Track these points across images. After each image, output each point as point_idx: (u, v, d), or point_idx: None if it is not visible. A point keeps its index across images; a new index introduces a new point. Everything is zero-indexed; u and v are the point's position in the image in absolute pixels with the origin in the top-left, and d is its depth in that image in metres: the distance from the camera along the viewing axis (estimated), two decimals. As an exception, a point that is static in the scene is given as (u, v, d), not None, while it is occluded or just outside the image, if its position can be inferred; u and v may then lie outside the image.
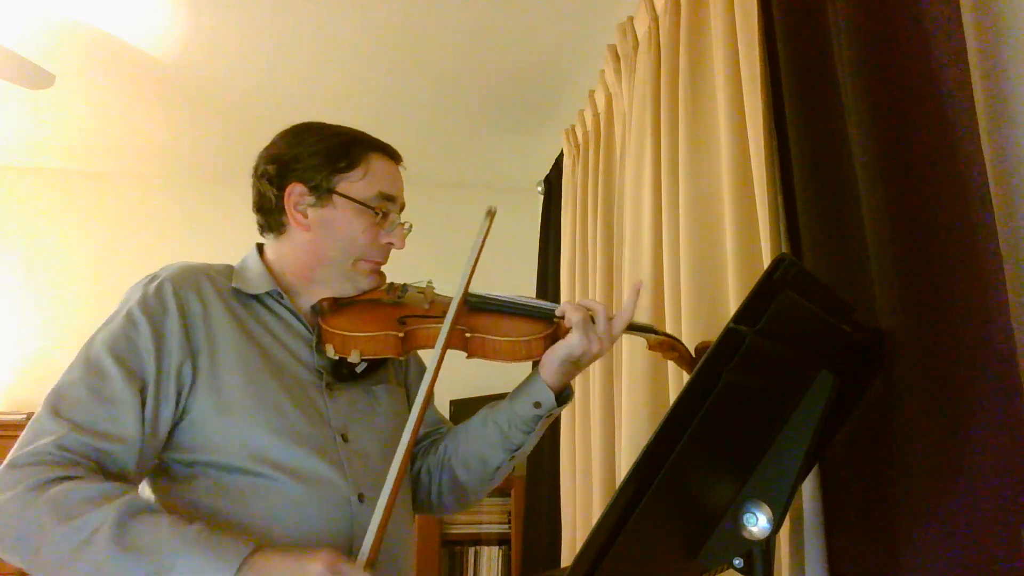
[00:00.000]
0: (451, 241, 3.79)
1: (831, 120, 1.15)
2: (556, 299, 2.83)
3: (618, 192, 2.26)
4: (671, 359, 1.18)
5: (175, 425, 1.01)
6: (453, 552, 3.24)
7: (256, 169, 1.16)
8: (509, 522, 3.25)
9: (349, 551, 1.01)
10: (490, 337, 1.10)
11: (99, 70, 2.65)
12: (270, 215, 1.15)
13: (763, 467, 0.86)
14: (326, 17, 2.34)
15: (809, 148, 1.23)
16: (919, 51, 0.96)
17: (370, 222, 1.13)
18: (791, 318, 0.81)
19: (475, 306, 1.14)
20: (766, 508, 0.83)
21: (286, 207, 1.12)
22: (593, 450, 2.33)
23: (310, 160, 1.12)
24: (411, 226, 1.19)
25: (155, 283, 1.05)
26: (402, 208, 1.19)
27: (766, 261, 1.38)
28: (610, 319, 1.10)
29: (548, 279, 3.23)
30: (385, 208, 1.14)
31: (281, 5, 2.28)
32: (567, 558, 2.64)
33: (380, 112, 2.99)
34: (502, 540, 3.26)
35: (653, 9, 2.01)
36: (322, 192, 1.12)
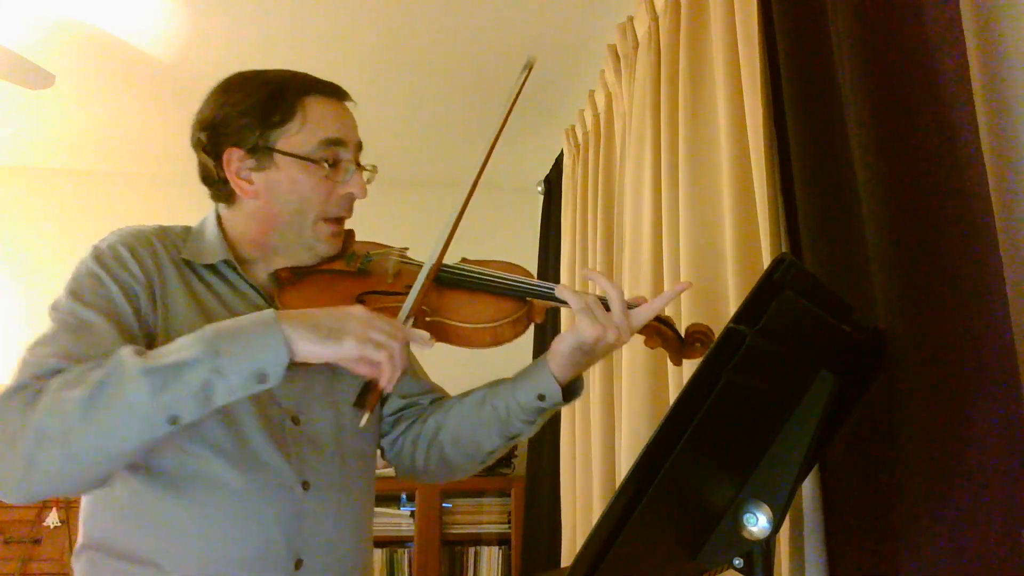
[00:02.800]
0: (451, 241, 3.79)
1: (831, 120, 1.15)
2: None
3: (618, 192, 2.26)
4: (655, 346, 1.07)
5: None
6: (453, 552, 3.23)
7: (192, 138, 1.07)
8: (509, 522, 3.25)
9: (291, 544, 0.96)
10: (452, 322, 1.00)
11: (99, 70, 2.65)
12: (216, 186, 1.06)
13: (763, 467, 0.85)
14: (325, 17, 2.34)
15: (809, 148, 1.23)
16: (919, 51, 0.96)
17: (320, 176, 1.02)
18: (791, 318, 0.80)
19: (441, 280, 1.03)
20: (766, 508, 0.82)
21: (228, 176, 1.03)
22: (593, 450, 2.33)
23: (240, 120, 1.02)
24: (374, 168, 1.09)
25: (107, 243, 0.99)
26: (359, 148, 1.08)
27: (766, 261, 1.38)
28: (630, 307, 0.99)
29: (548, 279, 3.23)
30: (333, 156, 1.04)
31: (280, 5, 2.28)
32: (567, 558, 2.64)
33: (380, 112, 2.99)
34: (502, 540, 3.26)
35: (653, 9, 2.01)
36: (261, 153, 1.01)
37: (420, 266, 1.03)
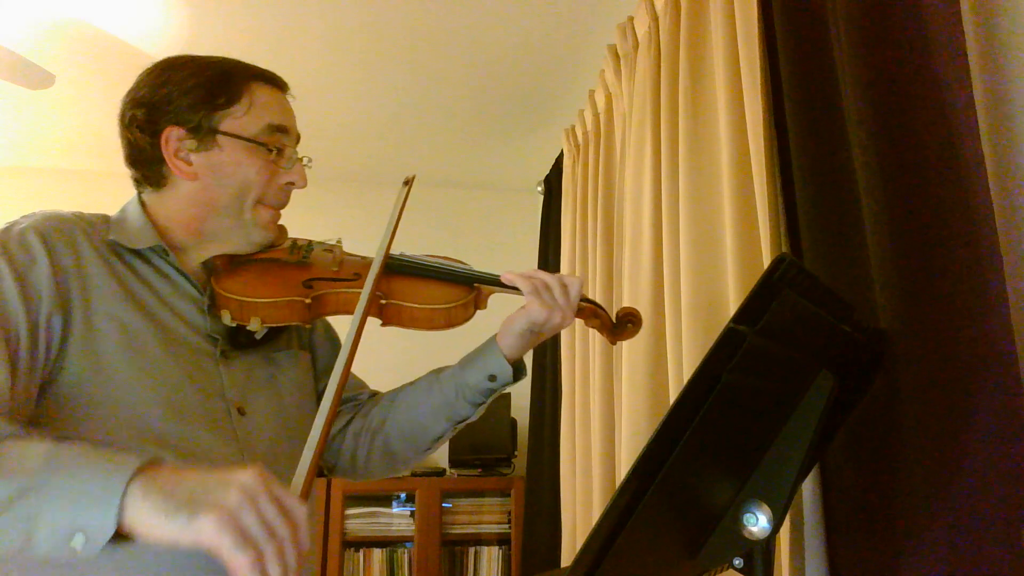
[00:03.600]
0: (451, 241, 3.80)
1: (831, 120, 1.15)
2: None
3: (618, 192, 2.26)
4: (594, 327, 1.14)
5: (42, 391, 0.86)
6: (453, 552, 3.23)
7: (122, 117, 1.03)
8: (509, 522, 3.25)
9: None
10: (407, 304, 1.02)
11: (99, 70, 2.65)
12: (147, 167, 1.02)
13: (763, 467, 0.85)
14: (325, 17, 2.34)
15: (809, 148, 1.23)
16: (919, 51, 0.96)
17: (265, 160, 1.01)
18: (791, 318, 0.81)
19: (392, 268, 1.05)
20: (766, 508, 0.82)
21: (165, 155, 0.99)
22: (593, 450, 2.33)
23: (183, 99, 0.99)
24: (310, 160, 1.07)
25: (17, 228, 0.90)
26: (297, 140, 1.07)
27: (766, 261, 1.38)
28: (564, 287, 1.03)
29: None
30: (279, 142, 1.02)
31: (279, 6, 2.28)
32: (567, 558, 2.64)
33: (380, 112, 2.99)
34: (502, 540, 3.26)
35: (653, 9, 2.01)
36: (203, 133, 0.99)
37: (362, 257, 1.06)
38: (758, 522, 0.82)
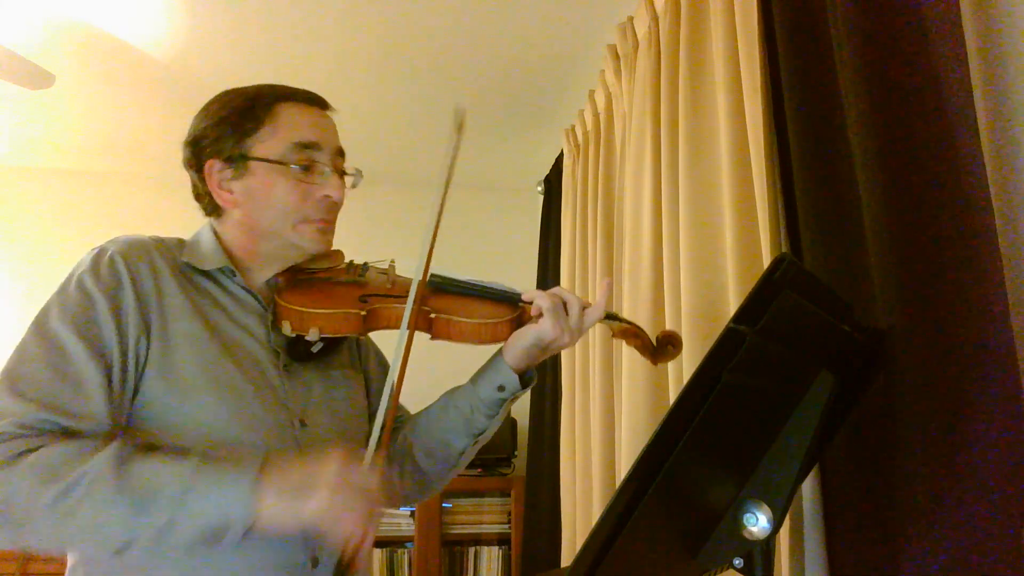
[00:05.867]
0: (451, 241, 3.79)
1: (831, 120, 1.15)
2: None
3: (618, 192, 2.26)
4: (635, 347, 1.18)
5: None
6: (453, 552, 3.24)
7: (182, 160, 1.10)
8: (509, 522, 3.25)
9: (308, 543, 0.97)
10: (456, 318, 1.07)
11: (99, 70, 2.65)
12: (204, 200, 1.09)
13: (763, 467, 0.85)
14: (325, 18, 2.34)
15: (809, 148, 1.23)
16: (919, 51, 0.96)
17: (294, 178, 1.03)
18: (791, 318, 0.81)
19: (439, 287, 1.11)
20: (766, 508, 0.82)
21: (210, 188, 1.05)
22: (593, 450, 2.33)
23: (216, 131, 1.04)
24: (358, 172, 1.11)
25: (106, 256, 0.98)
26: (338, 154, 1.09)
27: (766, 261, 1.38)
28: (583, 310, 1.08)
29: (548, 279, 3.23)
30: (307, 159, 1.04)
31: (279, 6, 2.28)
32: (567, 558, 2.64)
33: (380, 113, 2.99)
34: (502, 540, 3.26)
35: (653, 9, 2.01)
36: (237, 161, 1.03)
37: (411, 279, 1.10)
38: (758, 522, 0.82)
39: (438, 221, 1.07)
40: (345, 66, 2.63)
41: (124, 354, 0.93)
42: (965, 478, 0.87)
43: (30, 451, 0.83)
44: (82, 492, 0.82)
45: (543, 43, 2.48)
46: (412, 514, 3.16)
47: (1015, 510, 0.81)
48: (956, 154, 0.90)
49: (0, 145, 3.38)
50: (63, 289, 0.96)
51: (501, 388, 1.10)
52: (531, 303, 1.08)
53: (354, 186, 1.11)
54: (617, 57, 2.29)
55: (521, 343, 1.07)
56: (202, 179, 1.06)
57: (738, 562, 0.83)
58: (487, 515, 3.27)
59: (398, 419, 1.25)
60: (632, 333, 1.15)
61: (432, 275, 1.08)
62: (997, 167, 0.96)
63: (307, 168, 1.04)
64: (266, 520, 0.85)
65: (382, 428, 0.95)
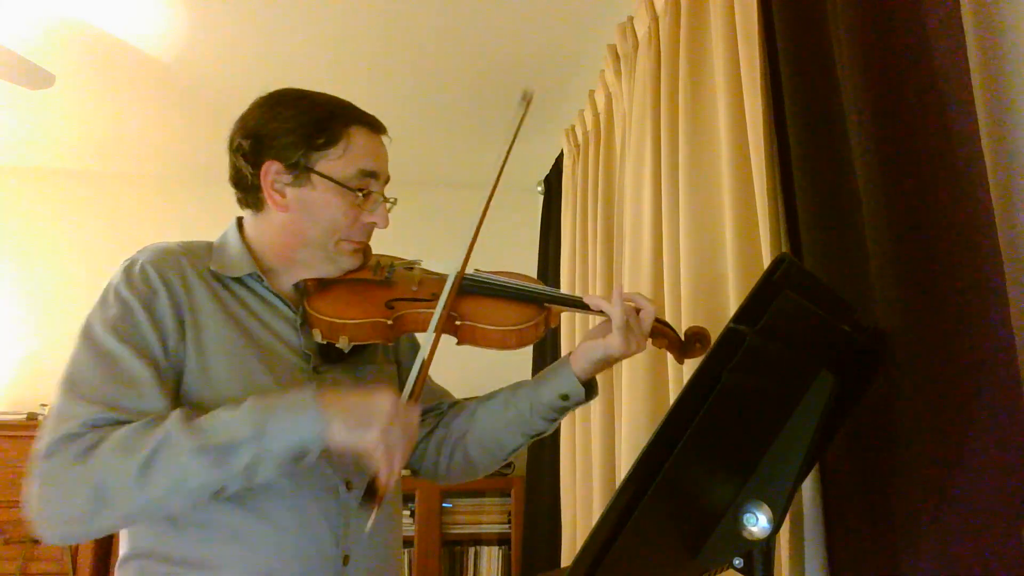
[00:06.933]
0: (452, 241, 3.79)
1: (831, 120, 1.15)
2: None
3: (618, 192, 2.26)
4: (661, 346, 1.17)
5: None
6: (453, 552, 3.24)
7: (231, 142, 1.11)
8: (509, 522, 3.25)
9: (338, 542, 1.02)
10: (480, 326, 1.07)
11: (99, 70, 2.65)
12: (247, 192, 1.10)
13: (763, 467, 0.85)
14: (324, 18, 2.34)
15: (809, 148, 1.23)
16: (919, 51, 0.96)
17: (351, 203, 1.07)
18: (791, 318, 0.81)
19: (465, 289, 1.10)
20: (766, 508, 0.82)
21: (263, 186, 1.07)
22: (593, 450, 2.33)
23: (287, 137, 1.06)
24: (395, 201, 1.15)
25: (137, 266, 1.02)
26: (386, 182, 1.14)
27: (766, 261, 1.38)
28: (642, 317, 1.09)
29: (548, 279, 3.23)
30: (367, 186, 1.09)
31: (279, 6, 2.28)
32: (567, 558, 2.64)
33: (379, 113, 2.98)
34: (502, 540, 3.26)
35: (653, 9, 2.01)
36: (300, 171, 1.06)
37: (439, 276, 1.10)
38: (758, 522, 0.82)
39: (482, 217, 1.12)
40: (345, 66, 2.63)
41: (166, 353, 0.98)
42: (965, 477, 0.86)
43: (102, 441, 0.89)
44: (164, 456, 0.87)
45: (543, 43, 2.48)
46: (412, 514, 3.15)
47: (1015, 510, 0.81)
48: (956, 153, 0.90)
49: (0, 145, 3.38)
50: (102, 301, 1.00)
51: (565, 396, 1.11)
52: (599, 311, 1.08)
53: (388, 211, 1.15)
54: (617, 57, 2.29)
55: (591, 356, 1.09)
56: (255, 174, 1.07)
57: (738, 562, 0.83)
58: (487, 515, 3.27)
59: (439, 405, 1.28)
60: (661, 332, 1.15)
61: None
62: (997, 166, 0.96)
63: (365, 195, 1.09)
64: (332, 443, 0.91)
65: (423, 363, 0.98)
